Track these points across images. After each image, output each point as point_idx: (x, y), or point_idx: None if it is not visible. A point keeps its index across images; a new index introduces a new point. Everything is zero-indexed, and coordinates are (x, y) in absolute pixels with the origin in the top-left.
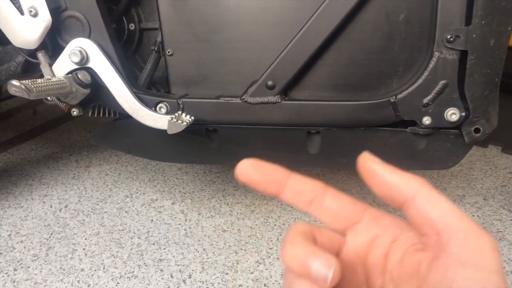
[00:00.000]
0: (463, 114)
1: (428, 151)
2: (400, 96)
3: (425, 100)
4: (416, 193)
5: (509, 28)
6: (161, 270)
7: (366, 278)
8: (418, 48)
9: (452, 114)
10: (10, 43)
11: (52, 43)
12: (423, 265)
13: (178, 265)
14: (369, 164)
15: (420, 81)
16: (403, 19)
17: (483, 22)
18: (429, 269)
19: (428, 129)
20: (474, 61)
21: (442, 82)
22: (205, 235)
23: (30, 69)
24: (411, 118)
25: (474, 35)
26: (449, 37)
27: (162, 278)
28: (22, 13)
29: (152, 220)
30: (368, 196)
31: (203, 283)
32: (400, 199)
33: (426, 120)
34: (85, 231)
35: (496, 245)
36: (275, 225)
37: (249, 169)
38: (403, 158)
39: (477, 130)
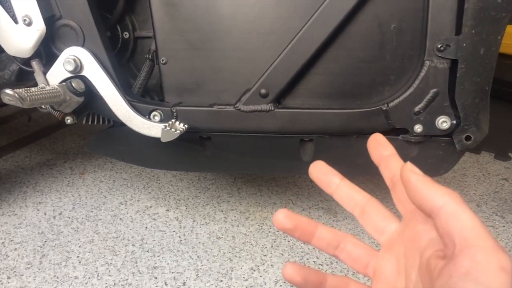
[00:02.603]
0: (454, 122)
1: (420, 158)
2: (391, 104)
3: (417, 108)
4: (443, 205)
5: (499, 37)
6: (155, 278)
7: (406, 264)
8: (409, 57)
9: (443, 122)
10: (4, 51)
11: (46, 51)
12: (436, 270)
13: (173, 273)
14: (407, 173)
15: (411, 89)
16: (395, 29)
17: (473, 31)
18: (439, 275)
19: (419, 137)
20: (465, 70)
21: (433, 91)
22: (199, 242)
23: (24, 77)
24: (402, 126)
25: (464, 44)
26: (439, 46)
27: (156, 286)
28: (16, 21)
29: (146, 227)
30: None
31: None
32: (428, 208)
33: (418, 128)
34: (79, 239)
35: (508, 266)
36: (269, 232)
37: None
38: None
39: (468, 138)
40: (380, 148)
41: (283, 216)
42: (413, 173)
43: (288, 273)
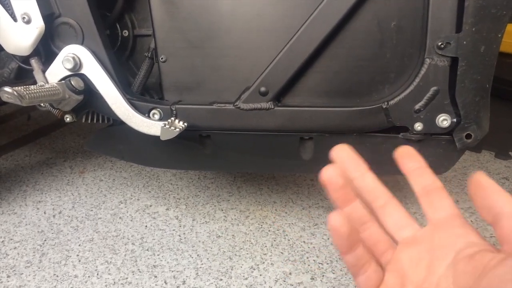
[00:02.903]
0: (455, 120)
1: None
2: (392, 102)
3: (417, 106)
4: (510, 214)
5: (499, 35)
6: (155, 276)
7: (431, 260)
8: (409, 55)
9: (444, 120)
10: (3, 49)
11: (45, 49)
12: (494, 260)
13: (172, 271)
14: (481, 177)
15: (411, 87)
16: (395, 26)
17: (473, 29)
18: (499, 263)
19: (420, 135)
20: (465, 68)
21: (433, 89)
22: (199, 241)
23: (23, 75)
24: (403, 124)
25: (464, 42)
26: (440, 44)
27: (156, 285)
28: (15, 19)
29: (146, 226)
30: None
31: None
32: (495, 210)
33: (418, 126)
34: (79, 237)
35: None
36: (269, 230)
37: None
38: (396, 164)
39: (468, 136)
40: (411, 160)
41: (336, 172)
42: (487, 178)
43: (335, 223)
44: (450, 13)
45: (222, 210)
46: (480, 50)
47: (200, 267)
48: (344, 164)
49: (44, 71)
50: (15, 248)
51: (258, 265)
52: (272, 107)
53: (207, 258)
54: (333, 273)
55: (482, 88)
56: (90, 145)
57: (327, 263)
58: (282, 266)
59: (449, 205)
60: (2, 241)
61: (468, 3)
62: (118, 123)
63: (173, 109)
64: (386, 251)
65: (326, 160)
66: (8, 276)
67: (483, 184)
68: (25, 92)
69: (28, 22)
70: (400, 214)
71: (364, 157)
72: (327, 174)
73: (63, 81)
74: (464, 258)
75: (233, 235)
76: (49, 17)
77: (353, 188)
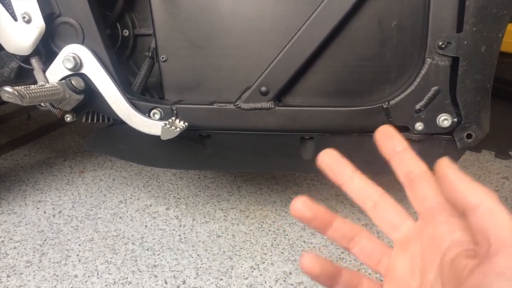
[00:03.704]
0: (455, 120)
1: (421, 156)
2: (392, 102)
3: (418, 106)
4: (479, 203)
5: (500, 35)
6: (155, 276)
7: (422, 264)
8: (410, 55)
9: (444, 120)
10: (3, 49)
11: (46, 49)
12: (466, 269)
13: (172, 271)
14: (445, 168)
15: (412, 87)
16: (395, 26)
17: (474, 29)
18: (470, 274)
19: (420, 135)
20: (466, 68)
21: (434, 88)
22: (199, 241)
23: (23, 75)
24: (403, 124)
25: (465, 42)
26: (440, 43)
27: (156, 284)
28: (15, 19)
29: (146, 225)
30: None
31: None
32: (463, 205)
33: (419, 126)
34: (79, 237)
35: None
36: (269, 230)
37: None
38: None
39: (469, 136)
40: (391, 141)
41: (301, 204)
42: (452, 168)
43: (306, 264)
44: (451, 13)
45: (222, 210)
46: (481, 50)
47: (200, 267)
48: (331, 169)
49: (44, 71)
50: (15, 247)
51: (258, 264)
52: (273, 106)
53: (207, 258)
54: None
55: (483, 88)
56: (90, 145)
57: None
58: (283, 265)
59: (434, 195)
60: (2, 241)
61: (469, 3)
62: (118, 123)
63: (174, 108)
64: (382, 258)
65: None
66: (8, 276)
67: (447, 175)
68: (25, 92)
69: (28, 21)
70: (392, 212)
71: (364, 157)
72: (295, 210)
73: (63, 81)
74: (447, 263)
75: (233, 235)
76: (49, 17)
77: (325, 211)
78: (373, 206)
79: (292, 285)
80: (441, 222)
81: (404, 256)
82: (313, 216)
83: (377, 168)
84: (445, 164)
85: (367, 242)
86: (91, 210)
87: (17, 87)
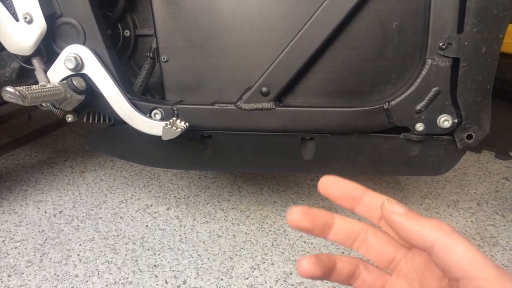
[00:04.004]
0: (456, 120)
1: (422, 157)
2: (393, 102)
3: (418, 107)
4: (434, 241)
5: (501, 36)
6: (156, 276)
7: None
8: (411, 55)
9: (445, 121)
10: (5, 49)
11: (47, 49)
12: None
13: (173, 271)
14: (390, 214)
15: (413, 88)
16: (396, 27)
17: (475, 29)
18: None
19: (421, 136)
20: (466, 69)
21: (434, 89)
22: (200, 241)
23: (24, 75)
24: (404, 125)
25: (466, 43)
26: (441, 44)
27: (156, 284)
28: (17, 19)
29: (147, 225)
30: None
31: None
32: (421, 247)
33: (419, 127)
34: (79, 237)
35: None
36: (270, 230)
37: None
38: (397, 164)
39: (469, 137)
40: (344, 189)
41: (299, 215)
42: (395, 214)
43: (305, 269)
44: (451, 13)
45: (223, 210)
46: (482, 51)
47: (201, 267)
48: (314, 226)
49: (45, 71)
50: (15, 247)
51: (258, 265)
52: (274, 107)
53: (208, 258)
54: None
55: (484, 88)
56: (91, 145)
57: None
58: (283, 266)
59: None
60: (3, 241)
61: (470, 4)
62: (119, 123)
63: (175, 109)
64: (395, 256)
65: (327, 160)
66: (9, 276)
67: (394, 221)
68: (27, 92)
69: (30, 22)
70: (383, 245)
71: (364, 158)
72: (292, 221)
73: (64, 81)
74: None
75: (233, 235)
76: (51, 17)
77: (324, 215)
78: (364, 244)
79: (293, 285)
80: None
81: (403, 285)
82: (313, 225)
83: (377, 169)
84: (388, 209)
85: (367, 274)
86: (92, 210)
87: (18, 87)
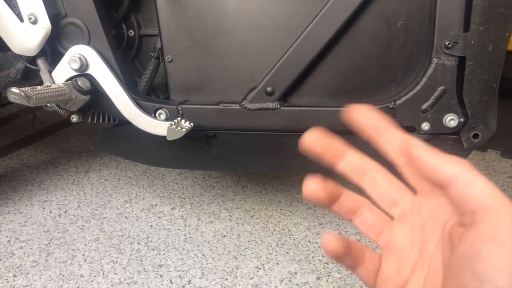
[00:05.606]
0: (462, 120)
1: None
2: (398, 102)
3: (424, 106)
4: (456, 175)
5: (507, 34)
6: (161, 276)
7: (422, 236)
8: (416, 54)
9: (451, 120)
10: (10, 50)
11: (52, 50)
12: (455, 237)
13: (178, 271)
14: (414, 149)
15: (418, 87)
16: (402, 26)
17: (481, 28)
18: (459, 241)
19: (427, 135)
20: (473, 67)
21: (440, 88)
22: (204, 241)
23: (29, 76)
24: (409, 124)
25: (472, 41)
26: (447, 43)
27: (161, 284)
28: (21, 20)
29: (151, 225)
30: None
31: None
32: (441, 180)
33: (425, 126)
34: (84, 237)
35: None
36: (274, 230)
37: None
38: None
39: (475, 136)
40: (369, 120)
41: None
42: (420, 148)
43: (329, 245)
44: (457, 12)
45: (227, 210)
46: (488, 50)
47: (206, 267)
48: (321, 150)
49: (50, 72)
50: (21, 247)
51: (263, 264)
52: (278, 107)
53: (213, 258)
54: (339, 273)
55: (490, 87)
56: (95, 145)
57: (333, 263)
58: (288, 265)
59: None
60: (9, 241)
61: (476, 2)
62: (123, 123)
63: (179, 109)
64: (383, 231)
65: None
66: (15, 276)
67: (418, 155)
68: (32, 93)
69: (34, 22)
70: (392, 187)
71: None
72: (308, 191)
73: (69, 82)
74: (446, 233)
75: (238, 235)
76: (55, 18)
77: (334, 188)
78: (371, 182)
79: (298, 285)
80: (441, 194)
81: (403, 230)
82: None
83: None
84: (412, 144)
85: (370, 214)
86: (97, 210)
87: (23, 88)
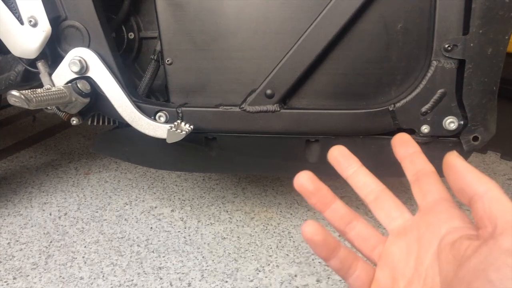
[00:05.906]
0: (462, 122)
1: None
2: (398, 104)
3: (424, 109)
4: (486, 191)
5: (507, 37)
6: (161, 278)
7: (418, 250)
8: (416, 57)
9: (451, 123)
10: (10, 52)
11: (52, 52)
12: (469, 248)
13: (178, 273)
14: (454, 159)
15: (418, 90)
16: (401, 29)
17: (480, 31)
18: (473, 252)
19: (426, 138)
20: (472, 70)
21: (440, 91)
22: (204, 243)
23: (29, 78)
24: (409, 127)
25: (471, 44)
26: (447, 46)
27: (161, 286)
28: (21, 22)
29: (151, 227)
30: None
31: None
32: (470, 192)
33: (425, 129)
34: (84, 239)
35: None
36: (274, 232)
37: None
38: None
39: (475, 138)
40: (405, 146)
41: (306, 178)
42: (460, 159)
43: (308, 231)
44: (457, 15)
45: (227, 212)
46: (487, 52)
47: (206, 269)
48: (338, 163)
49: (50, 74)
50: (21, 250)
51: (263, 267)
52: (278, 109)
53: (213, 260)
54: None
55: (489, 90)
56: (95, 148)
57: None
58: (288, 268)
59: (437, 190)
60: (8, 243)
61: (475, 5)
62: (123, 126)
63: (179, 111)
64: (377, 245)
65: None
66: (14, 278)
67: (455, 165)
68: (32, 96)
69: (34, 25)
70: (392, 205)
71: (369, 160)
72: (298, 182)
73: (69, 84)
74: (446, 246)
75: (238, 237)
76: (55, 20)
77: (327, 191)
78: (374, 199)
79: (298, 287)
80: (442, 210)
81: (399, 243)
82: (316, 190)
83: (382, 171)
84: (453, 155)
85: (363, 228)
86: (97, 212)
87: (23, 91)
